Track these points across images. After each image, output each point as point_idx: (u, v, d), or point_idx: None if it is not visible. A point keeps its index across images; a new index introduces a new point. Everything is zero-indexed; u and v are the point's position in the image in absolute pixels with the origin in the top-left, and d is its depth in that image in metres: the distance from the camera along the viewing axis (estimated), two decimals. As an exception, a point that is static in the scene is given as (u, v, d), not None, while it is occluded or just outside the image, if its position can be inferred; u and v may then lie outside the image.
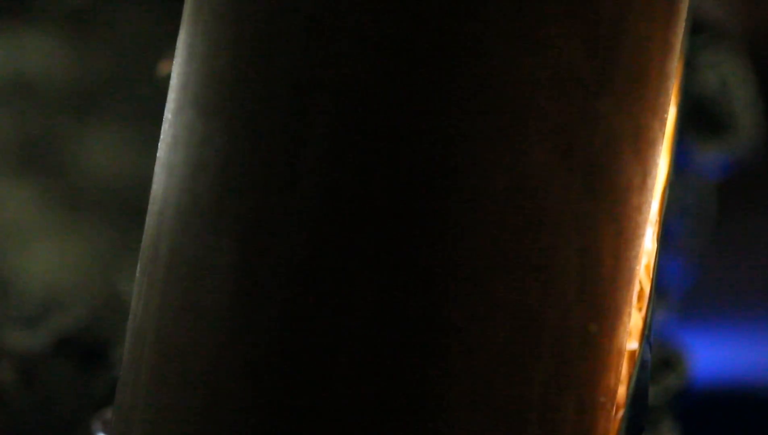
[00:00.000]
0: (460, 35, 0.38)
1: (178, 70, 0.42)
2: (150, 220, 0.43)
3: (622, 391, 0.41)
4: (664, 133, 0.42)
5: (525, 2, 0.38)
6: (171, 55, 0.43)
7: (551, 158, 0.38)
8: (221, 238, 0.39)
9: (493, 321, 0.38)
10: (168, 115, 0.42)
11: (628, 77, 0.39)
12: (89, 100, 0.75)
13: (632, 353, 0.42)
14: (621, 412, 0.41)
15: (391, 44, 0.38)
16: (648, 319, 0.42)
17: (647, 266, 0.43)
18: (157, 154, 0.43)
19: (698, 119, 0.80)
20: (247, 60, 0.39)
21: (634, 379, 0.41)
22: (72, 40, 0.75)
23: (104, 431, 0.49)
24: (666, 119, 0.42)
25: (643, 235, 0.41)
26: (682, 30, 0.42)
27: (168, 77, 0.43)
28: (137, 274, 0.43)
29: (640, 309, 0.42)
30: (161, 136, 0.43)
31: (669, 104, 0.42)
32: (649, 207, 0.42)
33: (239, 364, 0.38)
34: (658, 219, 0.43)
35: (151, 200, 0.43)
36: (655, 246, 0.43)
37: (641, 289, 0.42)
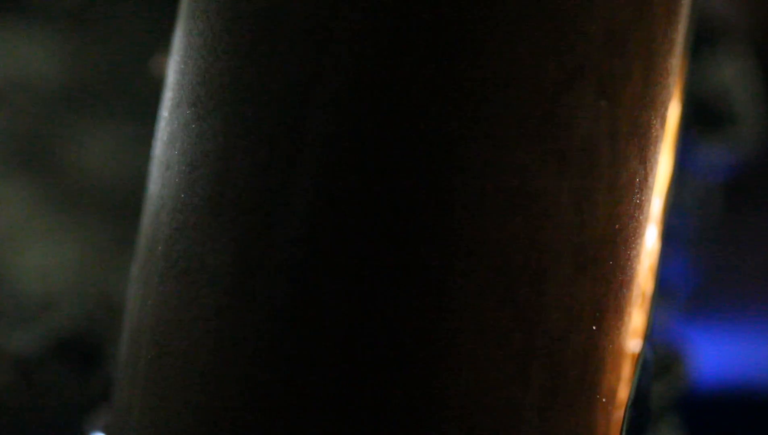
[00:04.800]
0: (460, 36, 0.37)
1: (174, 68, 0.42)
2: (146, 219, 0.43)
3: (623, 391, 0.41)
4: (665, 131, 0.42)
5: (526, 4, 0.38)
6: (166, 53, 0.43)
7: (551, 158, 0.38)
8: (218, 237, 0.39)
9: (492, 321, 0.38)
10: (164, 113, 0.42)
11: (629, 75, 0.39)
12: (85, 99, 0.75)
13: (634, 353, 0.41)
14: (622, 413, 0.41)
15: (389, 44, 0.38)
16: (650, 319, 0.42)
17: (649, 266, 0.42)
18: (153, 153, 0.43)
19: (702, 117, 0.80)
20: (244, 58, 0.39)
21: (635, 379, 0.41)
22: (69, 38, 0.75)
23: (101, 431, 0.49)
24: (668, 117, 0.42)
25: (644, 234, 0.41)
26: (685, 26, 0.42)
27: (163, 75, 0.43)
28: (133, 273, 0.43)
29: (641, 309, 0.42)
30: (157, 135, 0.43)
31: (671, 101, 0.42)
32: (651, 205, 0.42)
33: (237, 363, 0.38)
34: (660, 218, 0.43)
35: (147, 199, 0.43)
36: (657, 245, 0.43)
37: (643, 289, 0.42)
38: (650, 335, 0.42)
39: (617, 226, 0.39)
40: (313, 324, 0.38)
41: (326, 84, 0.38)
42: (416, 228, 0.38)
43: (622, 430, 0.41)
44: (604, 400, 0.40)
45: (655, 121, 0.40)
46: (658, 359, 0.70)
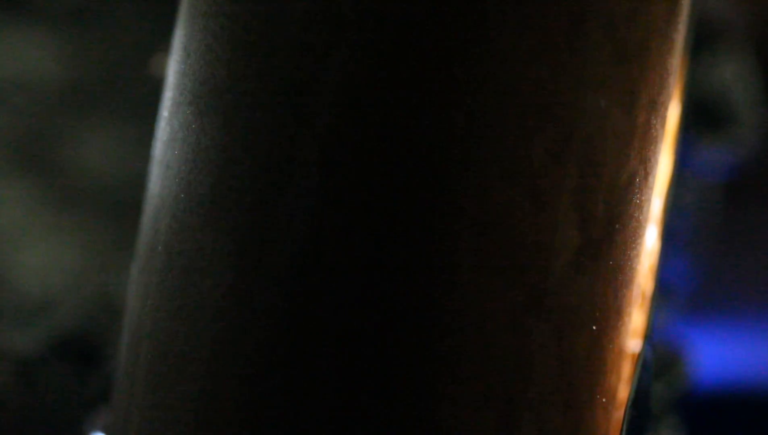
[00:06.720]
0: (461, 37, 0.37)
1: (174, 68, 0.42)
2: (146, 219, 0.43)
3: (623, 391, 0.41)
4: (665, 131, 0.42)
5: (525, 5, 0.38)
6: (166, 53, 0.43)
7: (551, 157, 0.38)
8: (218, 237, 0.39)
9: (492, 320, 0.38)
10: (164, 113, 0.42)
11: (629, 74, 0.39)
12: (85, 99, 0.75)
13: (634, 353, 0.41)
14: (622, 413, 0.41)
15: (390, 43, 0.38)
16: (650, 319, 0.42)
17: (649, 266, 0.42)
18: (153, 153, 0.43)
19: (702, 117, 0.80)
20: (244, 58, 0.39)
21: (635, 379, 0.41)
22: (69, 38, 0.75)
23: (101, 431, 0.49)
24: (668, 117, 0.42)
25: (644, 233, 0.41)
26: (685, 26, 0.41)
27: (163, 75, 0.43)
28: (133, 274, 0.43)
29: (641, 309, 0.42)
30: (157, 135, 0.43)
31: (671, 101, 0.42)
32: (651, 205, 0.42)
33: (236, 363, 0.38)
34: (660, 218, 0.43)
35: (147, 199, 0.43)
36: (657, 245, 0.43)
37: (643, 289, 0.42)
38: (650, 335, 0.42)
39: (617, 226, 0.39)
40: (313, 324, 0.38)
41: (326, 83, 0.38)
42: (416, 228, 0.38)
43: (622, 430, 0.41)
44: (604, 400, 0.40)
45: (655, 121, 0.40)
46: (658, 359, 0.70)
